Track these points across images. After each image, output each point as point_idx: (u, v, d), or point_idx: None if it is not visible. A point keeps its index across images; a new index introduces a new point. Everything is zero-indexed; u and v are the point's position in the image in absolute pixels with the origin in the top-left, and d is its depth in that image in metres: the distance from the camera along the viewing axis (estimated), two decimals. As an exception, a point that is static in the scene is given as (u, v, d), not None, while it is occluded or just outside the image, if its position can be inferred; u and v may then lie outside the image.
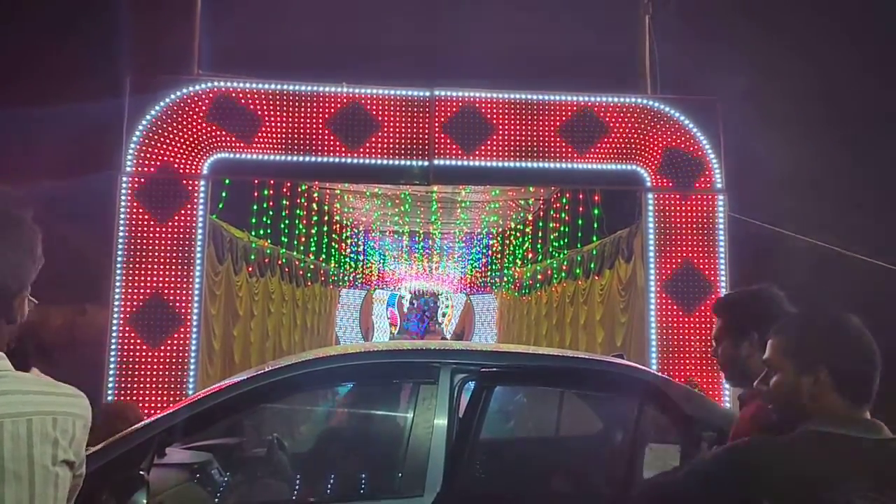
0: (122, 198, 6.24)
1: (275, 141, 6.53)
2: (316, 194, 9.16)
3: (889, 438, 1.68)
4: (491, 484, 2.67)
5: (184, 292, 6.18)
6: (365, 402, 3.17)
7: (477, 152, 6.72)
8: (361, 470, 2.88)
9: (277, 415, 3.30)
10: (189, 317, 6.17)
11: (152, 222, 6.22)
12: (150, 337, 6.11)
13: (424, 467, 2.59)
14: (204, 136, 6.45)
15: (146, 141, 6.35)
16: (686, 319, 6.60)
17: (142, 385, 6.03)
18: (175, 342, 6.14)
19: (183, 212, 6.28)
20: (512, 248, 11.82)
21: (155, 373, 6.06)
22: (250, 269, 8.45)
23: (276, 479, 3.02)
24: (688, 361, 6.51)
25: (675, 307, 6.62)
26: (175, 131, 6.40)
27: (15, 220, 1.34)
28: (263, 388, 2.76)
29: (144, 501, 2.28)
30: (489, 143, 6.73)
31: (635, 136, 6.86)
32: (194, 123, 6.44)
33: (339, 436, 3.29)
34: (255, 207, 7.91)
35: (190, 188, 6.32)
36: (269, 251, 9.11)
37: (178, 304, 6.15)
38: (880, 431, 1.69)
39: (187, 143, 6.43)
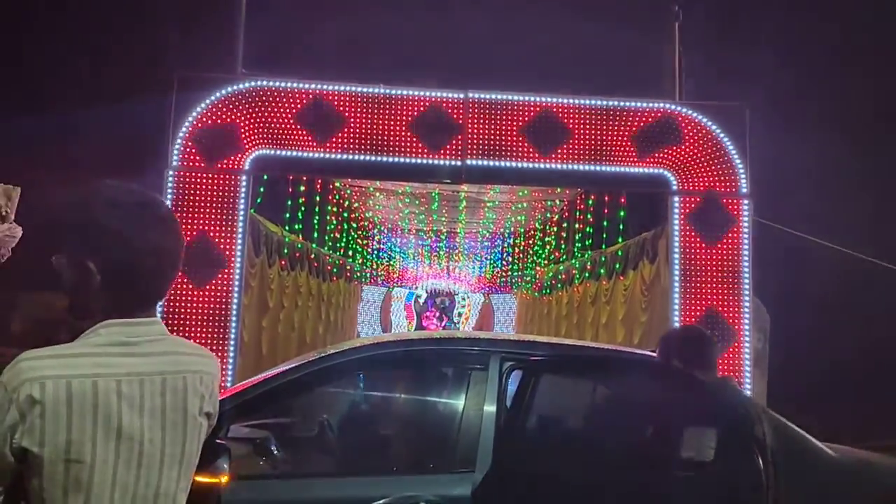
0: (169, 192, 6.49)
1: (313, 139, 6.76)
2: (347, 191, 9.39)
3: None
4: (536, 463, 2.87)
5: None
6: (420, 385, 3.39)
7: (509, 153, 6.91)
8: (417, 447, 3.10)
9: (330, 396, 3.53)
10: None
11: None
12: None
13: (475, 445, 2.80)
14: (246, 134, 6.70)
15: (192, 138, 6.60)
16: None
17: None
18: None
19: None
20: (535, 249, 11.99)
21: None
22: (283, 262, 8.70)
23: (333, 455, 3.24)
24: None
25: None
26: (219, 129, 6.65)
27: (176, 221, 1.58)
28: (325, 371, 2.98)
29: (226, 465, 2.51)
30: (521, 144, 6.92)
31: (663, 139, 7.03)
32: (237, 121, 6.68)
33: (397, 416, 3.51)
34: (289, 203, 8.15)
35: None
36: (300, 246, 9.35)
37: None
38: None
39: (230, 140, 6.67)
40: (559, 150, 6.96)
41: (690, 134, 7.06)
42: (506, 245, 13.37)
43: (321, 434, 3.32)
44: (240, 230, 6.59)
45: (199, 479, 2.59)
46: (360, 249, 12.03)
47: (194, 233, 6.46)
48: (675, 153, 7.05)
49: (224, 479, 2.58)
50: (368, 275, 14.79)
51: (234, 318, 6.49)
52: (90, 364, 1.38)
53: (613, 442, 2.93)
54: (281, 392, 2.94)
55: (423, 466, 2.92)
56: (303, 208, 8.42)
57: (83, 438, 1.33)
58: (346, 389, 3.38)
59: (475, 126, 6.91)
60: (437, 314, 22.02)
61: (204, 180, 6.57)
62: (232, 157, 6.66)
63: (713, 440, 2.52)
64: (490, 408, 2.88)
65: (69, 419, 1.32)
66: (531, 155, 6.93)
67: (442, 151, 6.88)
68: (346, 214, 9.70)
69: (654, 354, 3.31)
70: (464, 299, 21.71)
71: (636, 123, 7.04)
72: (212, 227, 6.53)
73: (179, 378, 1.48)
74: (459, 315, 21.96)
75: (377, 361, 3.03)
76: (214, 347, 6.39)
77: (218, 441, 2.65)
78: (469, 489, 2.71)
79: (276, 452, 3.26)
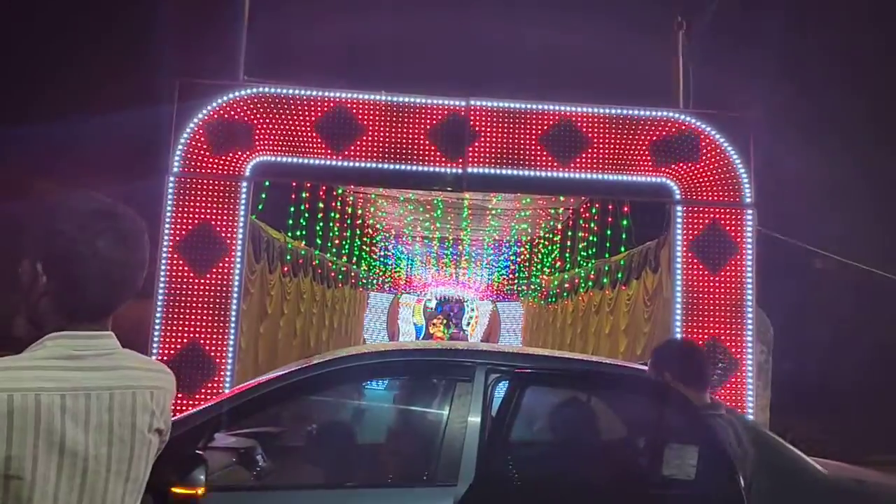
0: (169, 198, 6.50)
1: (315, 145, 6.76)
2: (351, 198, 9.39)
3: None
4: (520, 476, 2.83)
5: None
6: (405, 396, 3.36)
7: (510, 161, 6.88)
8: (399, 459, 3.06)
9: (316, 405, 3.50)
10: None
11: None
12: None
13: (458, 459, 2.76)
14: (247, 140, 6.70)
15: (193, 144, 6.61)
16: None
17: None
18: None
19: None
20: (540, 257, 11.96)
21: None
22: (285, 269, 8.70)
23: (315, 465, 3.21)
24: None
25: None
26: (220, 135, 6.66)
27: (142, 230, 1.55)
28: (310, 381, 2.95)
29: (203, 477, 2.49)
30: (523, 151, 6.89)
31: (667, 148, 6.97)
32: (238, 127, 6.69)
33: (381, 427, 3.48)
34: (292, 209, 8.16)
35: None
36: (303, 252, 9.35)
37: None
38: None
39: (231, 145, 6.67)
40: (561, 158, 6.92)
41: (694, 143, 7.00)
42: (511, 253, 13.34)
43: (304, 444, 3.29)
44: (240, 235, 6.58)
45: (176, 490, 2.59)
46: (365, 256, 12.03)
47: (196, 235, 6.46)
48: (678, 162, 6.99)
49: (200, 490, 2.56)
50: (374, 281, 14.79)
51: (232, 325, 6.48)
52: (33, 377, 1.35)
53: (597, 457, 2.89)
54: (263, 402, 2.91)
55: (405, 479, 2.89)
56: (306, 214, 8.43)
57: (24, 454, 1.30)
58: (330, 400, 3.36)
59: (477, 133, 6.88)
60: (444, 321, 22.05)
61: (204, 186, 6.57)
62: (233, 163, 6.66)
63: (695, 459, 2.47)
64: (474, 420, 2.84)
65: (9, 434, 1.29)
66: (534, 163, 6.89)
67: (442, 159, 6.85)
68: (349, 221, 9.70)
69: (643, 367, 3.26)
70: (472, 307, 21.72)
71: (641, 132, 6.99)
72: (212, 232, 6.52)
73: (128, 393, 1.45)
74: (468, 323, 21.98)
75: (362, 372, 3.00)
76: (213, 354, 6.39)
77: (196, 452, 2.64)
78: (451, 503, 2.67)
79: (261, 462, 3.24)
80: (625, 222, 8.00)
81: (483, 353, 3.05)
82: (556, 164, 6.88)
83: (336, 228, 9.45)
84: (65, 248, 1.42)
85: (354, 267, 12.21)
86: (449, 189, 7.23)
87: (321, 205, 8.51)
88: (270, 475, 3.14)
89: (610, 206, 8.16)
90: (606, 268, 9.26)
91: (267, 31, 7.53)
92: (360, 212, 10.18)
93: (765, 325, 6.92)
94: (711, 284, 6.77)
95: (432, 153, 6.84)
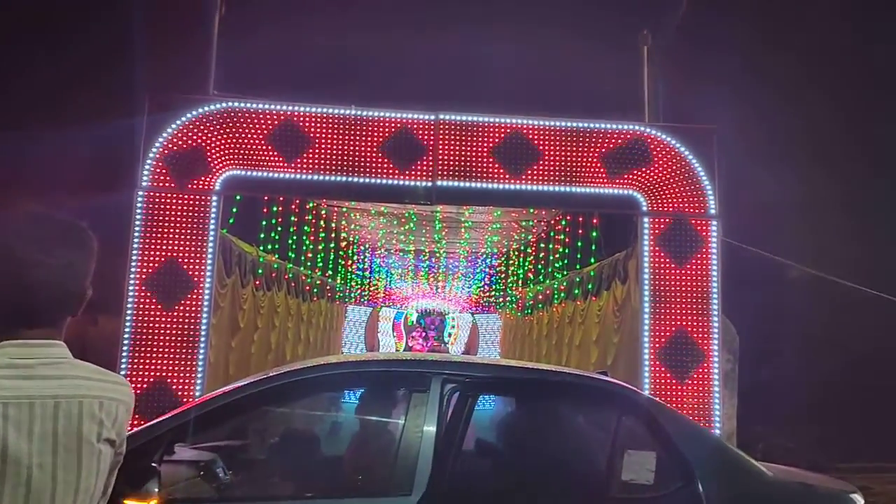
0: (138, 212, 6.49)
1: (285, 160, 6.79)
2: (324, 211, 9.41)
3: None
4: (474, 485, 2.87)
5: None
6: (362, 407, 3.39)
7: (478, 174, 6.96)
8: (355, 469, 3.09)
9: (278, 417, 3.52)
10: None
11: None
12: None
13: (413, 468, 2.79)
14: (217, 154, 6.72)
15: (162, 158, 6.62)
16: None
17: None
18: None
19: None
20: (515, 269, 12.03)
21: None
22: (257, 282, 8.69)
23: (274, 477, 3.23)
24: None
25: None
26: (190, 149, 6.67)
27: (86, 232, 1.56)
28: (265, 392, 2.98)
29: (156, 489, 2.50)
30: (492, 165, 6.96)
31: (633, 161, 7.09)
32: (208, 141, 6.71)
33: (336, 437, 3.50)
34: (263, 223, 8.16)
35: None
36: (276, 266, 9.34)
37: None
38: None
39: (201, 160, 6.69)
40: (529, 172, 7.00)
41: (660, 155, 7.13)
42: (487, 265, 13.40)
43: (263, 456, 3.31)
44: (210, 251, 6.58)
45: (129, 502, 2.59)
46: (341, 269, 12.03)
47: (163, 254, 6.47)
48: (644, 175, 7.11)
49: (153, 502, 2.57)
50: (352, 294, 14.77)
51: (202, 340, 6.47)
52: None
53: (554, 465, 2.94)
54: (219, 414, 2.93)
55: (360, 490, 2.91)
56: (279, 228, 8.43)
57: None
58: (288, 411, 3.38)
59: (446, 147, 6.95)
60: (423, 333, 22.03)
61: (173, 201, 6.57)
62: (202, 178, 6.67)
63: (653, 464, 2.52)
64: (429, 430, 2.87)
65: None
66: (501, 176, 6.97)
67: (412, 173, 6.92)
68: (323, 234, 9.72)
69: (602, 377, 3.32)
70: (453, 320, 21.73)
71: (606, 145, 7.10)
72: (181, 249, 6.52)
73: (74, 402, 1.45)
74: (449, 335, 21.97)
75: (318, 383, 3.03)
76: (183, 368, 6.37)
77: (150, 463, 2.66)
78: (404, 512, 2.70)
79: (221, 475, 3.25)
80: (594, 234, 8.10)
81: (439, 363, 3.09)
82: (517, 177, 6.96)
83: (309, 241, 9.47)
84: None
85: (330, 280, 12.20)
86: (423, 203, 7.28)
87: (294, 218, 8.51)
88: (230, 488, 3.15)
89: (580, 219, 8.25)
90: (578, 279, 9.35)
91: (238, 47, 7.57)
92: (333, 225, 10.20)
93: (731, 333, 7.02)
94: (678, 281, 6.89)
95: (389, 166, 6.86)
